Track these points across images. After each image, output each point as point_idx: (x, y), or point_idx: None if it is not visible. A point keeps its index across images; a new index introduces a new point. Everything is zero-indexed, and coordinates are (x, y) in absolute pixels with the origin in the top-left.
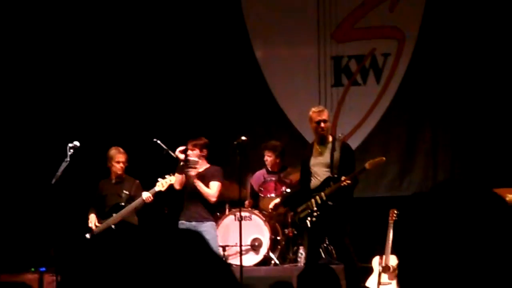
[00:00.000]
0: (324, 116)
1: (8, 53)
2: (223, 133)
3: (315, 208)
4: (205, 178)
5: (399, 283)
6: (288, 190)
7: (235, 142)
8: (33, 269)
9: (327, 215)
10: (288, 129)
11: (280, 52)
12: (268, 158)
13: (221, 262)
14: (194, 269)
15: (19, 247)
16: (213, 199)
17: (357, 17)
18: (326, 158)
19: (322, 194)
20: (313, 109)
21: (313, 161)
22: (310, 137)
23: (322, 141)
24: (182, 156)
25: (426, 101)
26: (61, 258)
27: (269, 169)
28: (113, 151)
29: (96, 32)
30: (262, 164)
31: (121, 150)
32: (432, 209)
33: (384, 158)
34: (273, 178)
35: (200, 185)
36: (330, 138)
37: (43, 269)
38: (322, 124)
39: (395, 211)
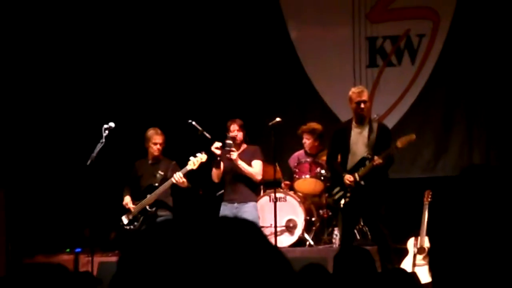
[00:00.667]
0: (364, 96)
1: (42, 39)
2: (258, 114)
3: (353, 185)
4: (245, 158)
5: (430, 266)
6: (323, 171)
7: (269, 123)
8: (68, 250)
9: (361, 196)
10: (323, 110)
11: (315, 33)
12: (307, 140)
13: (279, 255)
14: (251, 261)
15: (55, 228)
16: (258, 177)
17: None
18: (365, 137)
19: (356, 174)
20: (353, 89)
21: (353, 138)
22: (344, 117)
23: (361, 121)
24: (218, 152)
25: (461, 82)
26: (96, 239)
27: (308, 151)
28: (151, 132)
29: (129, 18)
30: (297, 146)
31: (159, 131)
32: (466, 193)
33: (414, 135)
34: (308, 160)
35: (243, 165)
36: (368, 119)
37: (79, 249)
38: (362, 105)
39: (430, 192)
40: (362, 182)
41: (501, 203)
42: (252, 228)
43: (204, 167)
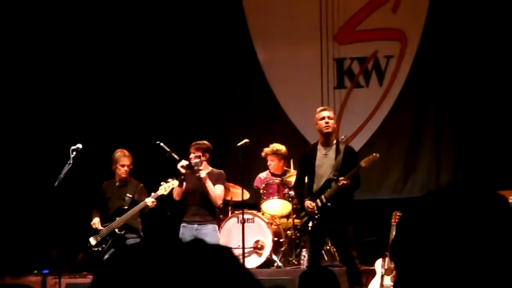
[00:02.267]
0: (329, 113)
1: (12, 56)
2: (226, 136)
3: (316, 211)
4: (209, 181)
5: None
6: (291, 193)
7: (237, 145)
8: (36, 271)
9: (328, 217)
10: (291, 131)
11: (282, 54)
12: (272, 162)
13: (252, 280)
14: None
15: (22, 249)
16: (219, 201)
17: (360, 19)
18: (331, 160)
19: (323, 196)
20: (318, 109)
21: (318, 161)
22: (312, 138)
23: (327, 143)
24: (183, 171)
25: (429, 103)
26: (63, 260)
27: (273, 172)
28: (118, 154)
29: (97, 35)
30: (264, 166)
31: (127, 153)
32: (433, 211)
33: (377, 155)
34: (276, 181)
35: (210, 185)
36: (334, 141)
37: (46, 271)
38: (327, 119)
39: (398, 213)
40: (329, 204)
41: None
42: (224, 252)
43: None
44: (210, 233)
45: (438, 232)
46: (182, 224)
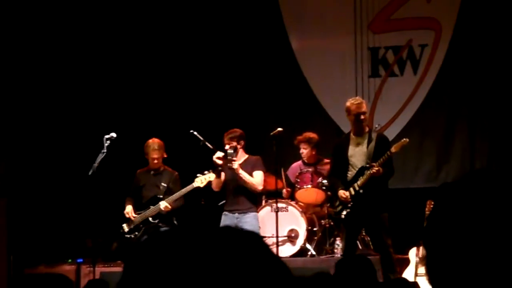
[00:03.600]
0: (363, 108)
1: (44, 49)
2: (260, 125)
3: (349, 200)
4: (246, 168)
5: (427, 275)
6: (325, 181)
7: (271, 134)
8: (70, 260)
9: (362, 205)
10: (325, 120)
11: (316, 43)
12: (304, 150)
13: (281, 265)
14: (254, 271)
15: (57, 238)
16: (259, 187)
17: (394, 8)
18: (364, 148)
19: (356, 184)
20: (351, 100)
21: (351, 151)
22: (346, 128)
23: (359, 132)
24: (219, 162)
25: (464, 92)
26: (98, 249)
27: (305, 161)
28: (148, 146)
29: (131, 28)
30: (298, 156)
31: (156, 145)
32: (462, 199)
33: (407, 140)
34: (309, 170)
35: (244, 175)
36: (367, 129)
37: (80, 260)
38: (362, 117)
39: (432, 202)
40: (362, 191)
41: (499, 209)
42: (255, 239)
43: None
44: (250, 221)
45: (468, 219)
46: (224, 213)
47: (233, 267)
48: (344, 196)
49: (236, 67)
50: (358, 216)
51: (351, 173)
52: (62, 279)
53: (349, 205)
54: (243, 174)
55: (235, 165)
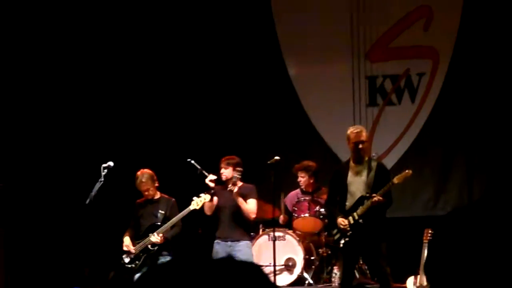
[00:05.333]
0: (363, 137)
1: (38, 72)
2: (257, 153)
3: (348, 228)
4: (240, 196)
5: None
6: (322, 210)
7: (268, 162)
8: None
9: (360, 234)
10: (322, 149)
11: (314, 71)
12: (302, 178)
13: None
14: None
15: (54, 267)
16: (253, 215)
17: (391, 37)
18: (363, 177)
19: (355, 213)
20: (351, 129)
21: (350, 179)
22: (344, 156)
23: (359, 160)
24: (212, 185)
25: (462, 121)
26: (95, 278)
27: (303, 189)
28: (137, 182)
29: (123, 54)
30: (296, 184)
31: (144, 178)
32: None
33: (410, 171)
34: (307, 198)
35: (241, 201)
36: (366, 158)
37: None
38: (360, 146)
39: (430, 231)
40: (361, 221)
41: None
42: (254, 269)
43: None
44: (243, 250)
45: (469, 248)
46: (216, 241)
47: None
48: (343, 224)
49: (234, 95)
50: (356, 245)
51: (349, 202)
52: None
53: (348, 233)
54: (240, 200)
55: (235, 189)
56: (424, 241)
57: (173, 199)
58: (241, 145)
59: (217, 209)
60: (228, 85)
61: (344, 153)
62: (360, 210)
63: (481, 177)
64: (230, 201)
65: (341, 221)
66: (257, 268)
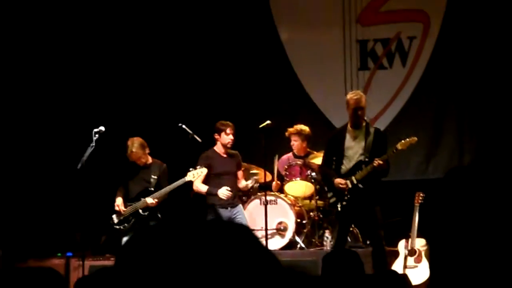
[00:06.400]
0: (362, 103)
1: (34, 43)
2: (248, 118)
3: (346, 192)
4: (233, 163)
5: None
6: (314, 174)
7: (259, 126)
8: (59, 254)
9: (358, 199)
10: (314, 113)
11: (305, 36)
12: (295, 142)
13: (271, 257)
14: (244, 263)
15: (46, 232)
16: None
17: (382, 1)
18: (361, 142)
19: (353, 178)
20: (351, 94)
21: (347, 143)
22: (336, 120)
23: (357, 125)
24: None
25: (452, 84)
26: (87, 243)
27: (296, 153)
28: (128, 151)
29: (120, 21)
30: (287, 148)
31: (134, 146)
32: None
33: (415, 138)
34: (299, 162)
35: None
36: (364, 123)
37: (70, 254)
38: (360, 112)
39: (421, 194)
40: (360, 185)
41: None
42: (245, 231)
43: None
44: (242, 214)
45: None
46: (215, 207)
47: (224, 261)
48: (342, 183)
49: (225, 60)
50: (353, 209)
51: (345, 166)
52: (51, 272)
53: (345, 197)
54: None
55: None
56: (416, 204)
57: (165, 165)
58: (233, 109)
59: (215, 176)
60: (220, 50)
61: (335, 117)
62: (359, 174)
63: (471, 141)
64: (230, 168)
65: (340, 181)
66: (249, 231)
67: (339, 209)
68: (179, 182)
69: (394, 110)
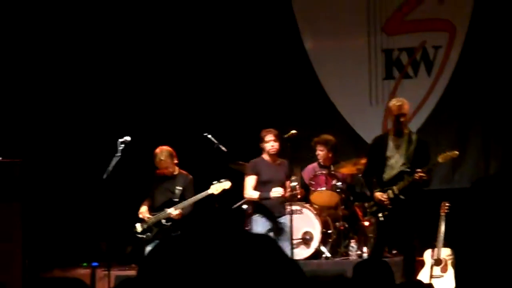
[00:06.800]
0: (404, 110)
1: (59, 51)
2: (273, 127)
3: (388, 202)
4: (283, 171)
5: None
6: (339, 184)
7: (285, 136)
8: (85, 264)
9: (400, 209)
10: (338, 122)
11: (330, 44)
12: (320, 152)
13: (295, 267)
14: (268, 273)
15: (72, 242)
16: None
17: (407, 10)
18: (403, 151)
19: (394, 187)
20: (394, 101)
21: (389, 152)
22: (361, 130)
23: (399, 133)
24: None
25: (478, 94)
26: (112, 253)
27: (321, 163)
28: (155, 157)
29: (147, 33)
30: (312, 158)
31: (162, 156)
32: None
33: (457, 152)
34: (324, 172)
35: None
36: (406, 130)
37: (96, 263)
38: (402, 118)
39: (447, 204)
40: (402, 196)
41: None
42: (268, 242)
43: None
44: (286, 225)
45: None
46: (260, 217)
47: (245, 271)
48: (382, 199)
49: (250, 69)
50: (395, 220)
51: (387, 175)
52: (77, 283)
53: (388, 207)
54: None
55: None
56: (442, 214)
57: (191, 176)
58: (258, 119)
59: (262, 183)
60: (245, 59)
61: (360, 126)
62: (400, 185)
63: (497, 150)
64: (277, 176)
65: (380, 195)
66: (272, 241)
67: (380, 219)
68: (203, 194)
69: (420, 119)
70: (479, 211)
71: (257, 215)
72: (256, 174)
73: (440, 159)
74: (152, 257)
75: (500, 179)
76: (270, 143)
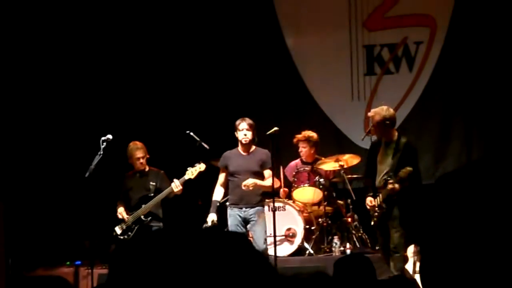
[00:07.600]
0: (373, 120)
1: (41, 49)
2: (255, 123)
3: (375, 208)
4: (255, 161)
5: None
6: (322, 180)
7: (267, 133)
8: (68, 263)
9: (386, 215)
10: (320, 118)
11: (311, 41)
12: (303, 149)
13: (266, 263)
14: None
15: (54, 241)
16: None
17: (389, 5)
18: (389, 159)
19: (380, 195)
20: (370, 112)
21: (379, 157)
22: (342, 126)
23: (386, 141)
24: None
25: (459, 88)
26: (96, 251)
27: (304, 159)
28: (130, 148)
29: (129, 29)
30: (295, 154)
31: (139, 145)
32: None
33: (411, 168)
34: (307, 168)
35: (261, 183)
36: (395, 137)
37: (79, 262)
38: (380, 129)
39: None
40: (384, 206)
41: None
42: (239, 238)
43: (203, 177)
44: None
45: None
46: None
47: (218, 266)
48: (370, 204)
49: (231, 66)
50: (385, 220)
51: (377, 180)
52: (60, 281)
53: (375, 214)
54: (260, 183)
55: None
56: None
57: (162, 171)
58: (240, 116)
59: (230, 175)
60: (226, 56)
61: (342, 123)
62: (383, 193)
63: (479, 144)
64: (246, 167)
65: (369, 201)
66: (245, 239)
67: (372, 223)
68: (180, 180)
69: (401, 115)
70: (443, 207)
71: (230, 208)
72: (225, 167)
73: (401, 174)
74: (123, 252)
75: (464, 175)
76: (243, 132)
